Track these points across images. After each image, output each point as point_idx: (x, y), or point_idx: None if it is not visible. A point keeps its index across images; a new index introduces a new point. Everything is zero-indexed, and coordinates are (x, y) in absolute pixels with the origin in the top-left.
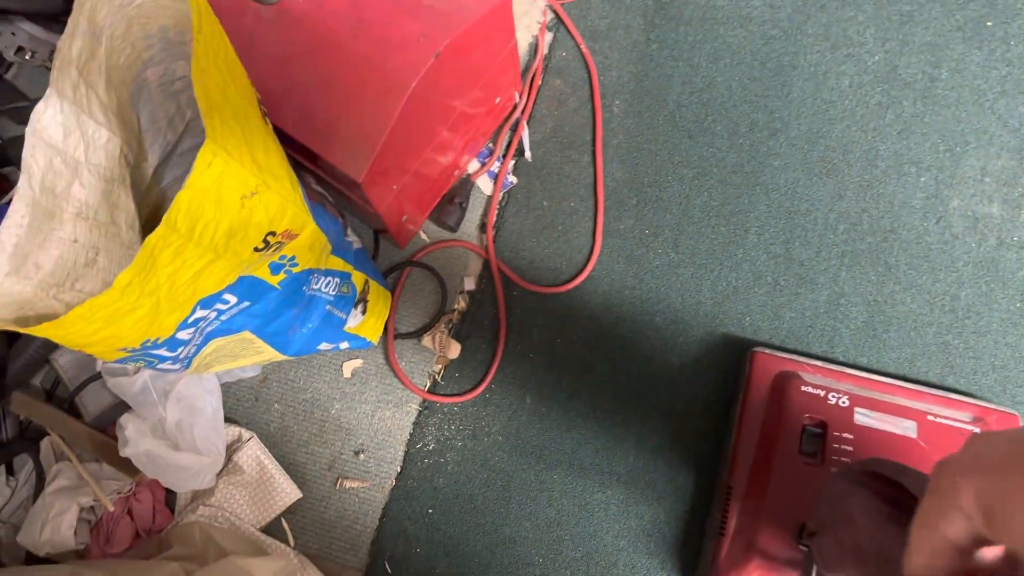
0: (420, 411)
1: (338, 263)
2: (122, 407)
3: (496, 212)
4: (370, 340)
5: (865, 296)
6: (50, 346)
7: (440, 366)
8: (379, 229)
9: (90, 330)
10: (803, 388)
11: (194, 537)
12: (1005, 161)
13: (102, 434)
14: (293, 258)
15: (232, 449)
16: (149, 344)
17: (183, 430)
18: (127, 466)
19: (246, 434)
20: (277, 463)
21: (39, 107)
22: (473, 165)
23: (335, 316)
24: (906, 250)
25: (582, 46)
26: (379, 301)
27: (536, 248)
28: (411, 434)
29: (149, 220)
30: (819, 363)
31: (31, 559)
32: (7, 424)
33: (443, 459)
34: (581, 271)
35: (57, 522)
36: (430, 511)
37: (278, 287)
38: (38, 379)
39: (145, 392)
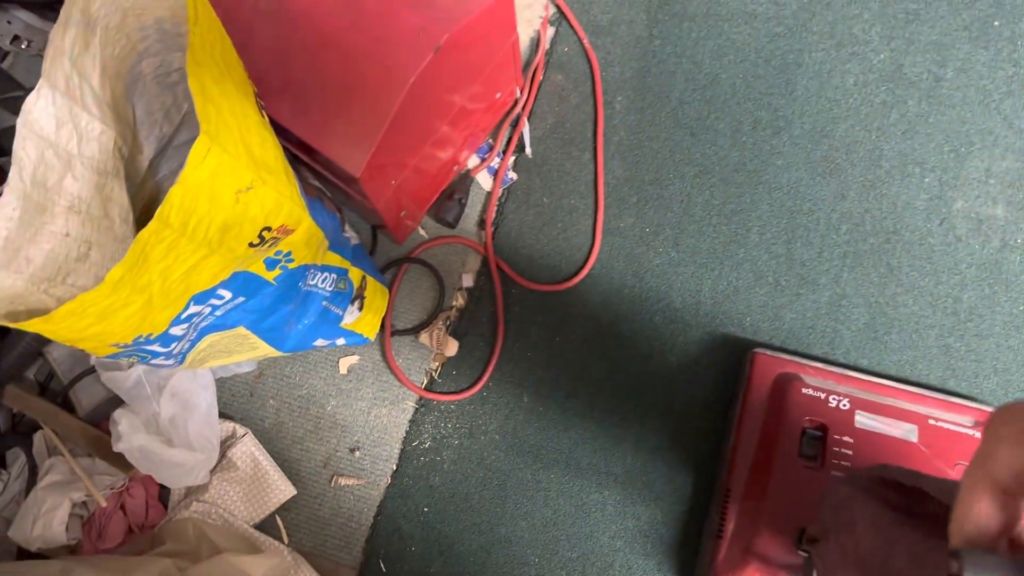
0: (416, 409)
1: (335, 259)
2: (116, 401)
3: (495, 208)
4: (367, 337)
5: (867, 297)
6: (44, 339)
7: (437, 363)
8: (377, 225)
9: (81, 326)
10: (804, 390)
11: (187, 533)
12: (1010, 162)
13: (95, 429)
14: (289, 254)
15: (226, 445)
16: (142, 340)
17: (177, 425)
18: (120, 461)
19: (240, 430)
20: (272, 459)
21: (30, 99)
22: (473, 161)
23: (331, 312)
24: (909, 251)
25: (584, 41)
26: (376, 297)
27: (535, 245)
28: (407, 432)
29: (144, 213)
30: (820, 365)
31: (23, 554)
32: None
33: (439, 457)
34: (581, 269)
35: (49, 517)
36: (425, 509)
37: (273, 283)
38: (32, 372)
39: (139, 387)
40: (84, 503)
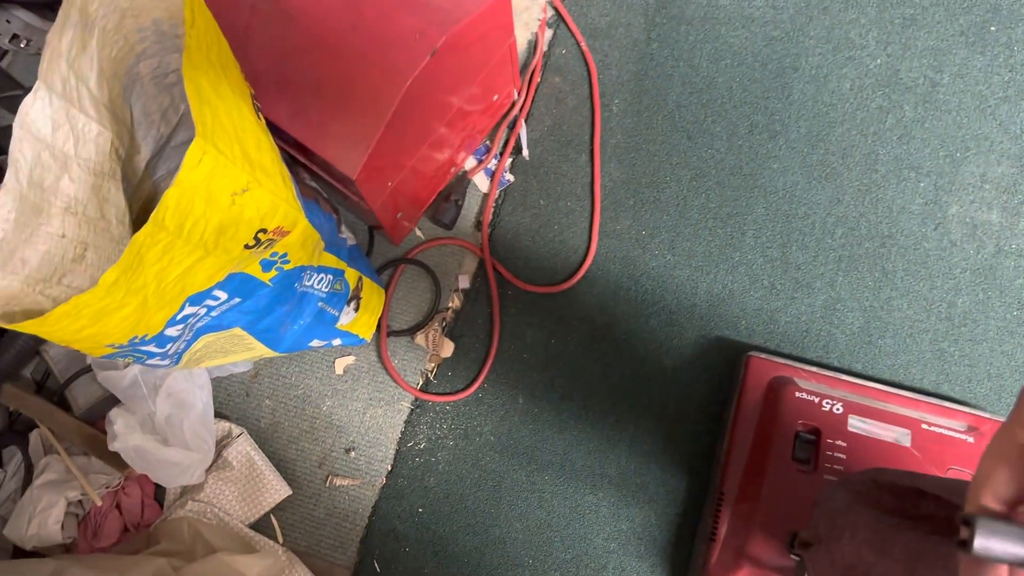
0: (412, 409)
1: (331, 260)
2: (112, 401)
3: (492, 210)
4: (363, 337)
5: (861, 302)
6: (40, 338)
7: (433, 364)
8: (374, 226)
9: (76, 327)
10: (797, 394)
11: (182, 533)
12: (1005, 168)
13: (91, 428)
14: (285, 255)
15: (222, 445)
16: (137, 340)
17: (173, 425)
18: (116, 460)
19: (236, 430)
20: (267, 459)
21: (27, 100)
22: (470, 162)
23: (327, 313)
24: (904, 256)
25: (582, 44)
26: (372, 298)
27: (532, 247)
28: (402, 432)
29: (141, 214)
30: (814, 368)
31: (18, 553)
32: None
33: (434, 458)
34: (576, 271)
35: (44, 516)
36: (420, 510)
37: (269, 284)
38: (28, 370)
39: (135, 386)
40: (80, 502)
